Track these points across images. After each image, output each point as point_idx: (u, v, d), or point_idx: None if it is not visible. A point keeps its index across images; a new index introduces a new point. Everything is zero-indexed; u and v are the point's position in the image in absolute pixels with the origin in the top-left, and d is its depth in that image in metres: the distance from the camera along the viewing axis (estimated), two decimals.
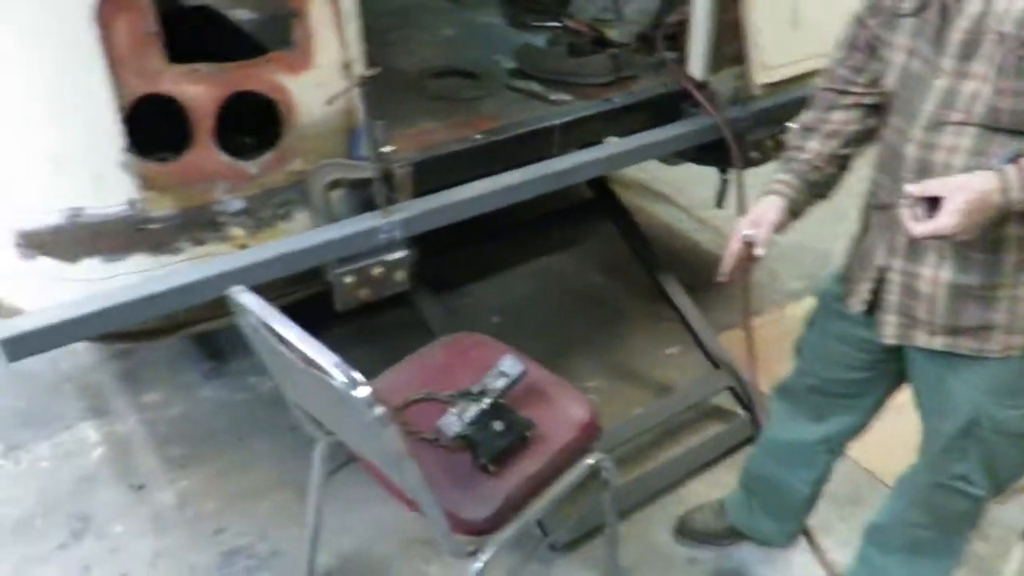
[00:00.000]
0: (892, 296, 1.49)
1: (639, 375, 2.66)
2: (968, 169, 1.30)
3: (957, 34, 1.29)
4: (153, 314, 1.65)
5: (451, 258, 2.86)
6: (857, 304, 1.56)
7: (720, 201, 2.52)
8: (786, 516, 1.96)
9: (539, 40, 2.57)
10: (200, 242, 1.71)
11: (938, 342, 1.47)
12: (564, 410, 1.66)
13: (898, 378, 1.66)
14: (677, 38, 2.37)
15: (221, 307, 1.53)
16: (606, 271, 3.14)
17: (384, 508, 2.20)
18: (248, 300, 1.36)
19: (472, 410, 1.58)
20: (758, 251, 1.56)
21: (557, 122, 2.13)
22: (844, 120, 1.56)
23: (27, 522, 2.18)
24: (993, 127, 1.28)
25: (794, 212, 1.59)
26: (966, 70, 1.29)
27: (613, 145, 2.20)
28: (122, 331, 1.80)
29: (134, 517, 2.20)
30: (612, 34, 2.59)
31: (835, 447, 1.82)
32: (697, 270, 3.13)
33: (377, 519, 2.18)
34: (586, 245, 3.26)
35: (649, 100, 2.30)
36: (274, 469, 2.32)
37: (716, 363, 2.46)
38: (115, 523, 2.18)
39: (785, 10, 2.21)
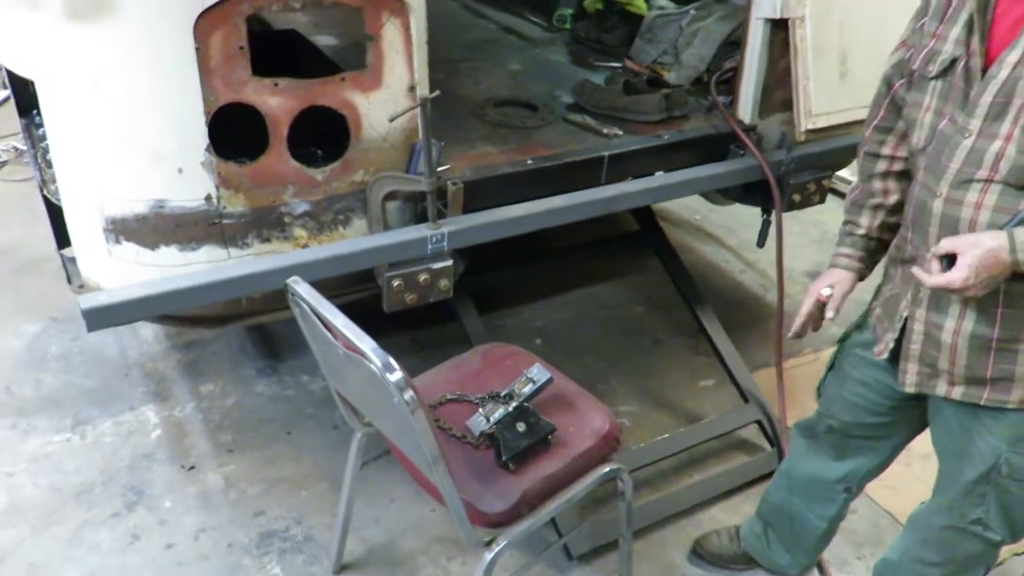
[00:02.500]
0: (914, 345, 1.54)
1: (671, 404, 2.73)
2: (993, 224, 1.36)
3: (987, 97, 1.35)
4: (219, 299, 1.81)
5: (501, 280, 3.00)
6: (883, 352, 1.62)
7: (762, 240, 2.60)
8: (800, 549, 2.00)
9: (598, 78, 2.71)
10: (266, 239, 1.87)
11: (957, 392, 1.51)
12: (586, 418, 1.76)
13: (919, 423, 1.71)
14: (730, 83, 2.48)
15: (280, 301, 1.69)
16: (648, 303, 3.23)
17: (413, 506, 2.32)
18: (302, 288, 1.51)
19: (499, 411, 1.69)
20: (829, 314, 1.70)
21: (606, 154, 2.24)
22: (883, 190, 1.67)
23: (88, 490, 2.35)
24: (1018, 185, 1.35)
25: (861, 278, 1.72)
26: (994, 131, 1.35)
27: (654, 178, 2.31)
28: (190, 315, 1.98)
29: (183, 494, 2.35)
30: (669, 77, 2.71)
31: (853, 486, 1.87)
32: (738, 309, 3.21)
33: (406, 514, 2.30)
34: (631, 277, 3.36)
35: (698, 139, 2.40)
36: (315, 462, 2.46)
37: (747, 398, 2.52)
38: (165, 499, 2.34)
39: (833, 62, 2.30)
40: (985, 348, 1.46)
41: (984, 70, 1.37)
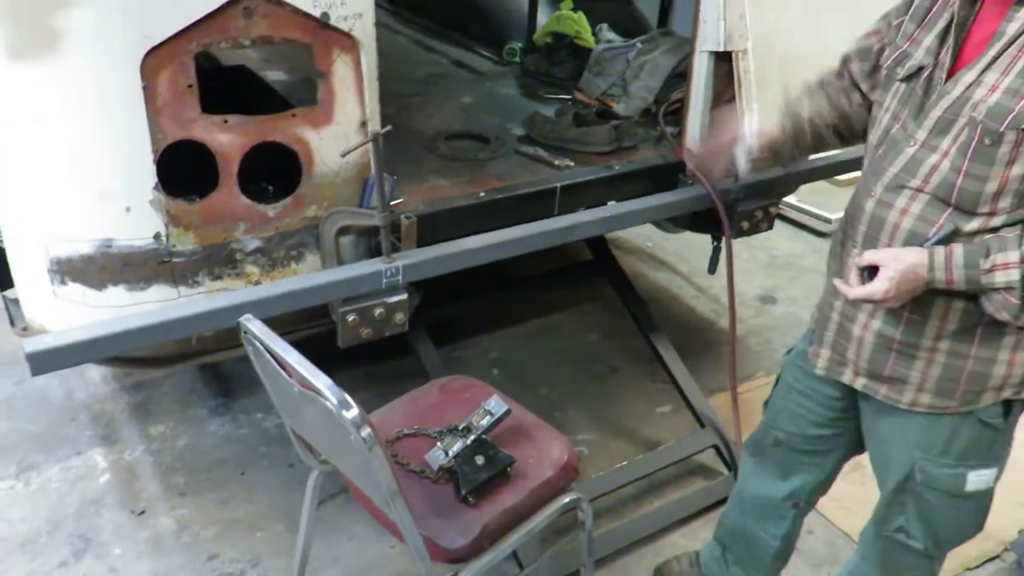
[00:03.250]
0: (829, 333, 1.62)
1: (629, 431, 2.74)
2: (914, 231, 1.42)
3: (937, 111, 1.39)
4: (169, 339, 1.77)
5: (457, 312, 3.01)
6: (809, 346, 1.68)
7: (713, 267, 2.64)
8: (757, 569, 2.02)
9: (548, 110, 2.74)
10: (218, 277, 1.85)
11: (860, 383, 1.59)
12: (545, 449, 1.76)
13: (858, 437, 1.74)
14: (677, 114, 2.54)
15: (232, 338, 1.66)
16: (604, 331, 3.25)
17: (373, 544, 2.29)
18: (255, 326, 1.49)
19: (457, 444, 1.69)
20: (740, 156, 1.74)
21: (558, 185, 2.27)
22: (844, 102, 1.69)
23: (33, 539, 2.27)
24: (943, 199, 1.39)
25: (774, 149, 1.75)
26: (935, 144, 1.39)
27: (607, 208, 2.34)
28: (139, 356, 1.94)
29: (133, 540, 2.29)
30: (618, 108, 2.76)
31: (800, 502, 1.90)
32: (692, 335, 3.25)
33: (365, 553, 2.27)
34: (586, 306, 3.39)
35: (648, 169, 2.44)
36: (271, 501, 2.41)
37: (703, 423, 2.55)
38: (115, 545, 2.27)
39: (775, 92, 2.36)
40: (887, 348, 1.51)
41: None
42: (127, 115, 1.63)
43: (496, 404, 1.74)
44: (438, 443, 1.73)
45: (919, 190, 1.41)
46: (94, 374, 2.87)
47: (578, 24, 3.18)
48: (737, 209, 2.42)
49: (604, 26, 3.10)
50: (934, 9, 1.47)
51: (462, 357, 3.07)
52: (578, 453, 2.16)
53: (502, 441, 1.74)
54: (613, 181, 2.39)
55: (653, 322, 2.79)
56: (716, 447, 2.51)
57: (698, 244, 3.45)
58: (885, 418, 1.59)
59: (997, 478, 1.57)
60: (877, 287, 1.37)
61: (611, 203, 2.44)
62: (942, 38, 1.43)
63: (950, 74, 1.40)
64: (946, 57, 1.41)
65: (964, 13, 1.40)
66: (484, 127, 2.63)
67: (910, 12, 1.53)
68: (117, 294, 1.78)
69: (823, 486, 1.88)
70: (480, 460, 1.66)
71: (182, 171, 1.74)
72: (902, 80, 1.48)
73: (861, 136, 1.68)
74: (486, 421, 1.71)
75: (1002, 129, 1.30)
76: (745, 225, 2.48)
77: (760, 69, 2.28)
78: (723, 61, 2.30)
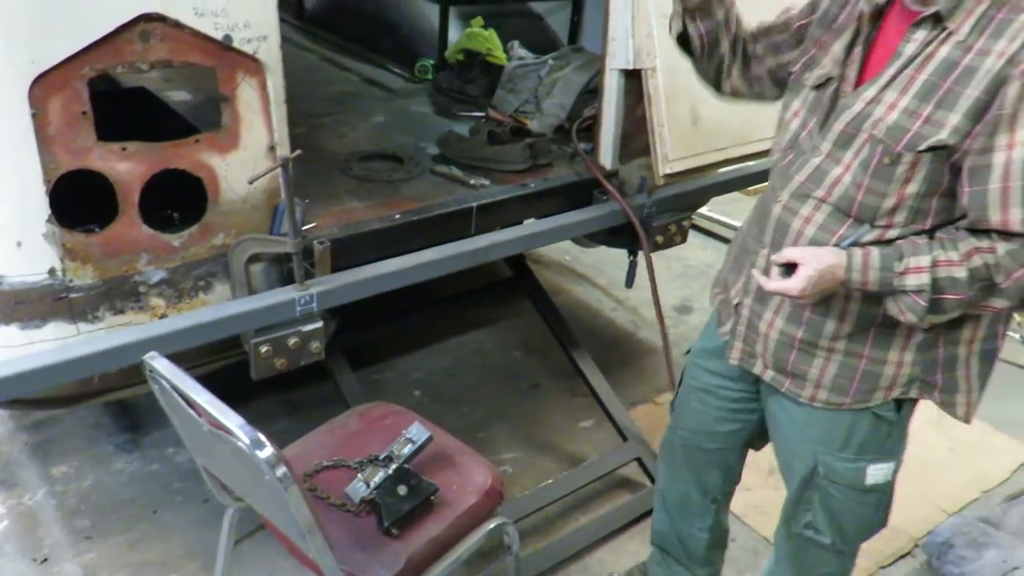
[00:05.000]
0: (741, 327, 1.67)
1: (553, 448, 2.74)
2: (815, 240, 1.47)
3: (840, 124, 1.43)
4: (68, 379, 1.68)
5: (376, 333, 2.95)
6: (725, 334, 1.72)
7: (630, 281, 2.67)
8: (695, 562, 2.05)
9: (462, 128, 2.73)
10: (120, 311, 1.76)
11: (768, 375, 1.64)
12: (468, 475, 1.74)
13: (759, 429, 1.81)
14: (591, 131, 2.56)
15: (138, 374, 1.58)
16: (525, 348, 3.25)
17: None
18: (160, 365, 1.42)
19: (378, 475, 1.65)
20: None
21: (474, 204, 2.26)
22: (731, 42, 1.69)
23: None
24: (844, 210, 1.45)
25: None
26: (838, 157, 1.44)
27: (523, 227, 2.34)
28: (37, 397, 1.83)
29: None
30: (532, 125, 2.77)
31: (717, 497, 1.95)
32: (612, 347, 3.28)
33: None
34: (507, 322, 3.38)
35: (563, 187, 2.45)
36: (185, 541, 2.31)
37: (625, 436, 2.57)
38: None
39: (685, 110, 2.41)
40: (789, 345, 1.57)
41: None
42: (15, 145, 1.54)
43: (417, 431, 1.70)
44: (359, 474, 1.69)
45: (823, 200, 1.46)
46: None
47: (489, 41, 3.19)
48: (651, 224, 2.45)
49: (515, 43, 3.11)
50: (841, 17, 1.51)
51: (383, 379, 3.02)
52: (502, 473, 2.15)
53: (425, 468, 1.71)
54: (529, 199, 2.39)
55: (573, 337, 2.80)
56: (639, 459, 2.53)
57: (615, 257, 3.48)
58: (789, 415, 1.65)
59: (895, 472, 1.64)
60: (794, 284, 1.39)
61: (528, 221, 2.44)
62: (848, 50, 1.47)
63: (854, 87, 1.45)
64: (851, 70, 1.46)
65: (869, 28, 1.45)
66: (398, 146, 2.60)
67: (817, 16, 1.57)
68: (9, 333, 1.68)
69: (733, 478, 1.94)
70: (403, 490, 1.62)
71: (80, 200, 1.66)
72: (813, 87, 1.52)
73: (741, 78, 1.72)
74: (408, 449, 1.68)
75: (899, 150, 1.35)
76: (660, 239, 2.52)
77: (669, 86, 2.32)
78: (633, 78, 2.34)
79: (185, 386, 1.38)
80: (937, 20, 1.34)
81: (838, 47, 1.49)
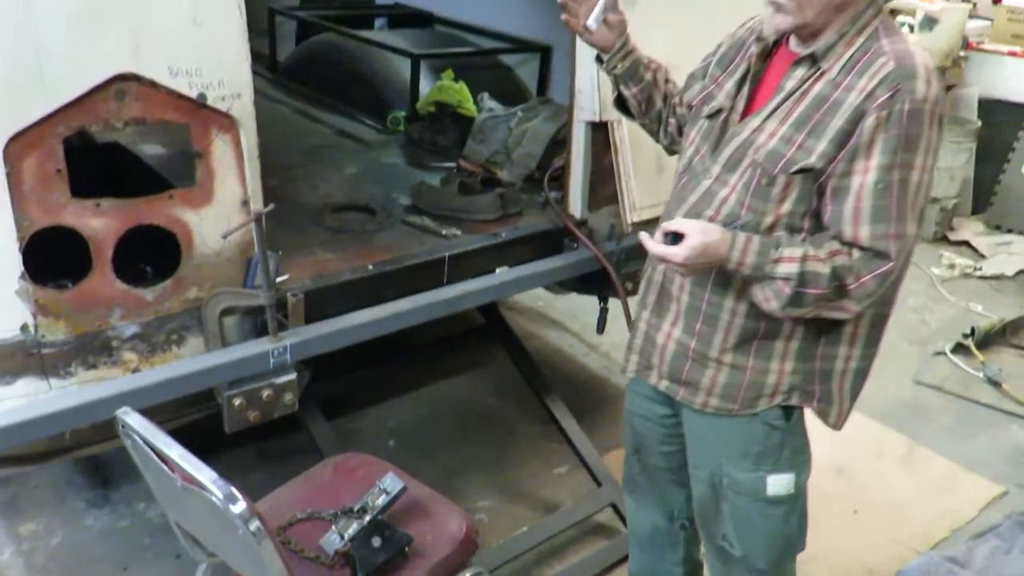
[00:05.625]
0: (637, 340, 1.79)
1: (528, 494, 2.74)
2: None
3: (728, 149, 1.58)
4: (39, 436, 1.68)
5: (350, 382, 2.95)
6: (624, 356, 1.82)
7: (601, 327, 2.71)
8: None
9: (434, 179, 2.78)
10: (92, 366, 1.76)
11: (663, 384, 1.74)
12: (443, 524, 1.74)
13: None
14: (560, 180, 2.62)
15: (110, 429, 1.58)
16: (499, 394, 3.26)
17: None
18: (133, 420, 1.43)
19: (353, 527, 1.65)
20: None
21: (447, 254, 2.29)
22: (655, 76, 1.86)
23: None
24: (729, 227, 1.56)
25: (622, 50, 1.81)
26: (725, 179, 1.58)
27: (495, 276, 2.37)
28: (6, 454, 1.81)
29: None
30: (502, 175, 2.82)
31: (685, 524, 1.97)
32: (585, 392, 3.30)
33: None
34: (481, 369, 3.39)
35: (534, 235, 2.50)
36: None
37: (599, 482, 2.58)
38: None
39: (651, 159, 2.48)
40: (684, 355, 1.68)
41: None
42: None
43: (391, 482, 1.71)
44: (333, 526, 1.69)
45: (712, 219, 1.58)
46: None
47: (460, 94, 3.26)
48: (620, 271, 2.50)
49: (485, 95, 3.18)
50: (736, 59, 1.68)
51: (357, 429, 3.01)
52: (477, 522, 2.15)
53: (399, 519, 1.71)
54: (500, 248, 2.43)
55: (546, 383, 2.82)
56: (614, 505, 2.54)
57: (588, 302, 3.51)
58: (695, 425, 1.74)
59: (799, 486, 1.71)
60: (679, 251, 1.47)
61: (500, 269, 2.47)
62: (739, 85, 1.63)
63: (741, 117, 1.60)
64: (740, 102, 1.62)
65: (757, 67, 1.61)
66: (370, 197, 2.64)
67: (716, 57, 1.73)
68: None
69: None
70: (377, 542, 1.63)
71: (52, 254, 1.67)
72: (706, 117, 1.66)
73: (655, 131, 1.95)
74: (382, 500, 1.68)
75: (775, 172, 1.50)
76: (629, 286, 2.56)
77: (635, 137, 2.39)
78: (600, 129, 2.40)
79: (157, 440, 1.38)
80: (813, 60, 1.51)
81: (730, 83, 1.65)
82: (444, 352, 3.22)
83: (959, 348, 3.75)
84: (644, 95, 1.86)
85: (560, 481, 2.81)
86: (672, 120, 1.89)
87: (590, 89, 2.34)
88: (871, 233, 1.45)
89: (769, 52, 1.61)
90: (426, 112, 3.28)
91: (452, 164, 2.96)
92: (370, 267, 2.16)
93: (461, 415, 3.15)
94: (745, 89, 1.61)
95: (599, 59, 1.87)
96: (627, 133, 2.39)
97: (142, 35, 1.62)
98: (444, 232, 2.41)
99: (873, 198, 1.44)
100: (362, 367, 2.82)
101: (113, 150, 2.49)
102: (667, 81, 1.89)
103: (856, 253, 1.47)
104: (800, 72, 1.52)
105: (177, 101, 1.71)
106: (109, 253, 1.71)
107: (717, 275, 1.60)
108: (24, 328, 1.66)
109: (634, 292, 2.59)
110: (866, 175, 1.44)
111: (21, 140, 1.56)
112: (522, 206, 2.60)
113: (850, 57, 1.48)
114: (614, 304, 2.52)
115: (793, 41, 1.57)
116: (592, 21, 1.77)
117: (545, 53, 3.54)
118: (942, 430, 3.22)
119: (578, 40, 2.24)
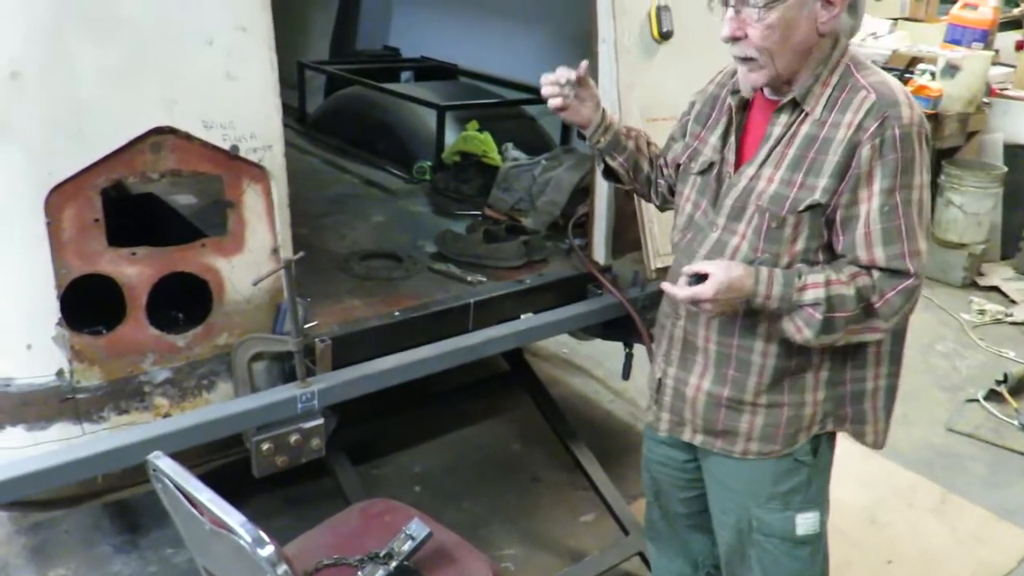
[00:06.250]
0: (666, 398, 1.79)
1: (554, 543, 2.72)
2: (724, 309, 1.59)
3: (729, 200, 1.63)
4: (72, 480, 1.70)
5: (376, 427, 2.96)
6: (650, 416, 1.83)
7: (626, 373, 2.71)
8: None
9: (459, 226, 2.82)
10: (124, 411, 1.79)
11: (698, 439, 1.75)
12: (468, 572, 1.73)
13: None
14: (584, 227, 2.64)
15: (141, 473, 1.60)
16: (525, 441, 3.26)
17: None
18: (164, 464, 1.45)
19: (379, 573, 1.65)
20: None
21: (472, 301, 2.31)
22: (638, 149, 1.91)
23: None
24: None
25: (602, 124, 1.84)
26: (733, 228, 1.62)
27: (520, 322, 2.39)
28: (38, 499, 1.84)
29: None
30: (526, 222, 2.86)
31: (710, 570, 1.95)
32: (611, 439, 3.28)
33: None
34: (506, 415, 3.39)
35: (558, 282, 2.52)
36: None
37: (627, 530, 2.55)
38: None
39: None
40: (717, 404, 1.69)
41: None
42: (29, 252, 1.61)
43: (417, 528, 1.71)
44: (359, 572, 1.69)
45: None
46: None
47: (484, 144, 3.32)
48: (645, 317, 2.50)
49: (509, 145, 3.24)
50: (713, 114, 1.73)
51: (383, 475, 3.01)
52: (503, 570, 2.13)
53: (425, 565, 1.71)
54: (525, 294, 2.45)
55: (571, 430, 2.81)
56: (641, 554, 2.51)
57: (612, 348, 3.52)
58: (720, 472, 1.74)
59: (822, 523, 1.73)
60: (705, 289, 1.50)
61: (524, 316, 2.49)
62: (724, 139, 1.68)
63: (735, 168, 1.65)
64: (729, 154, 1.67)
65: (739, 118, 1.68)
66: (396, 245, 2.68)
67: (693, 114, 1.79)
68: (15, 435, 1.70)
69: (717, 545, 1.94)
70: None
71: (87, 300, 1.71)
72: (697, 173, 1.71)
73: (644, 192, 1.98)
74: (408, 546, 1.68)
75: (783, 214, 1.55)
76: (654, 331, 2.56)
77: None
78: None
79: (188, 485, 1.40)
80: (795, 105, 1.57)
81: (713, 138, 1.70)
82: (469, 398, 3.23)
83: (992, 395, 3.69)
84: (630, 163, 1.91)
85: (586, 529, 2.79)
86: (661, 181, 1.93)
87: None
88: (886, 255, 1.51)
89: (747, 103, 1.68)
90: (451, 162, 3.34)
91: (477, 212, 3.01)
92: (396, 313, 2.18)
93: (486, 461, 3.14)
94: (732, 141, 1.67)
95: (580, 135, 1.93)
96: None
97: (178, 90, 1.69)
98: (469, 279, 2.44)
99: (881, 222, 1.50)
100: (388, 413, 2.83)
101: (148, 200, 2.56)
102: (649, 144, 1.95)
103: (876, 274, 1.52)
104: (784, 118, 1.58)
105: (211, 153, 1.76)
106: (143, 300, 1.75)
107: (744, 319, 1.61)
108: (59, 373, 1.70)
109: None
110: (871, 201, 1.51)
111: (61, 192, 1.61)
112: (547, 253, 2.63)
113: (829, 96, 1.55)
114: (639, 350, 2.52)
115: (767, 90, 1.62)
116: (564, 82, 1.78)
117: None
118: (976, 478, 3.16)
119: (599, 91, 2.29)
